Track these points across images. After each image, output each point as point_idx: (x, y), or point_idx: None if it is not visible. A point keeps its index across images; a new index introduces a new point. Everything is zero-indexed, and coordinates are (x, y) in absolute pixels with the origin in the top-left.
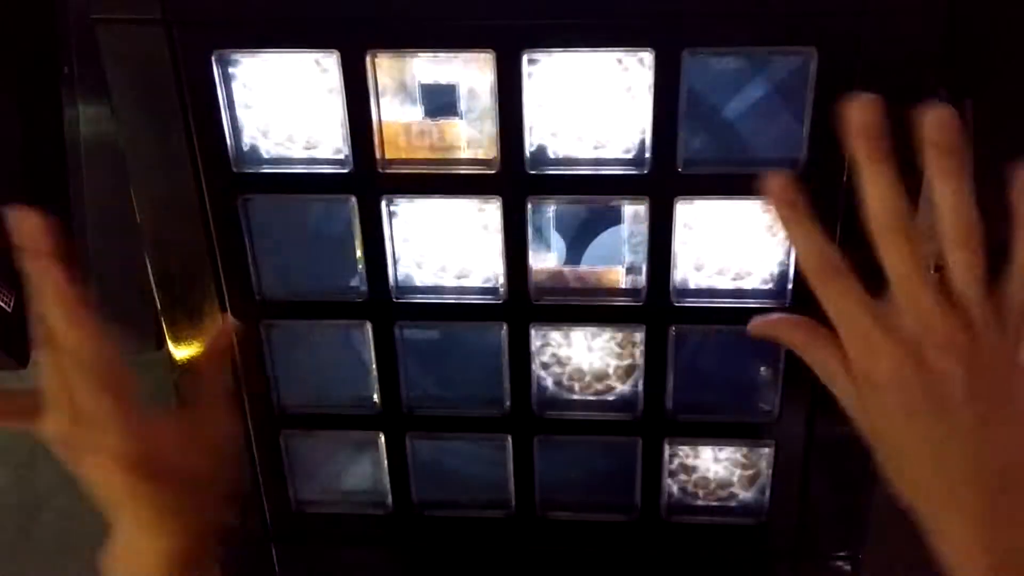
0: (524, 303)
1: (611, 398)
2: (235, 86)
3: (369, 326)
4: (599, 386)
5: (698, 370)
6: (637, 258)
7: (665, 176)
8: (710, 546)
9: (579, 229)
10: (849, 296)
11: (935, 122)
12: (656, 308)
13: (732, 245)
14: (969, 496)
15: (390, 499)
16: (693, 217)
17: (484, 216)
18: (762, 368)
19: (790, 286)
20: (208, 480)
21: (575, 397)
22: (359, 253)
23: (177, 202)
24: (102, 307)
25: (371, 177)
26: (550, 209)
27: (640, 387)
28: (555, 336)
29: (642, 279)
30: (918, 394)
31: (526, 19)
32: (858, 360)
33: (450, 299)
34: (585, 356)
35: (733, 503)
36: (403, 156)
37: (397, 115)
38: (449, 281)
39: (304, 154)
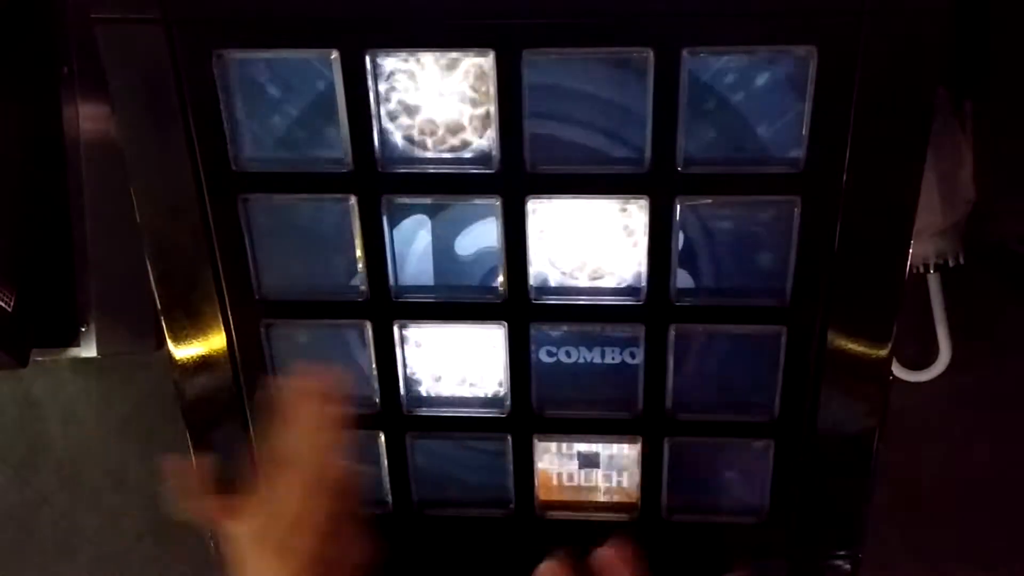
0: (524, 303)
1: (611, 398)
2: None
3: (369, 326)
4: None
5: (698, 370)
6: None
7: (665, 176)
8: (710, 546)
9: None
10: None
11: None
12: (656, 308)
13: (732, 245)
14: None
15: (390, 499)
16: (693, 217)
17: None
18: (762, 368)
19: (790, 286)
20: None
21: (575, 396)
22: (359, 253)
23: (177, 202)
24: (102, 307)
25: (371, 177)
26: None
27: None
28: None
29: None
30: None
31: (526, 18)
32: None
33: (451, 298)
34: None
35: (733, 503)
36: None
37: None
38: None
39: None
